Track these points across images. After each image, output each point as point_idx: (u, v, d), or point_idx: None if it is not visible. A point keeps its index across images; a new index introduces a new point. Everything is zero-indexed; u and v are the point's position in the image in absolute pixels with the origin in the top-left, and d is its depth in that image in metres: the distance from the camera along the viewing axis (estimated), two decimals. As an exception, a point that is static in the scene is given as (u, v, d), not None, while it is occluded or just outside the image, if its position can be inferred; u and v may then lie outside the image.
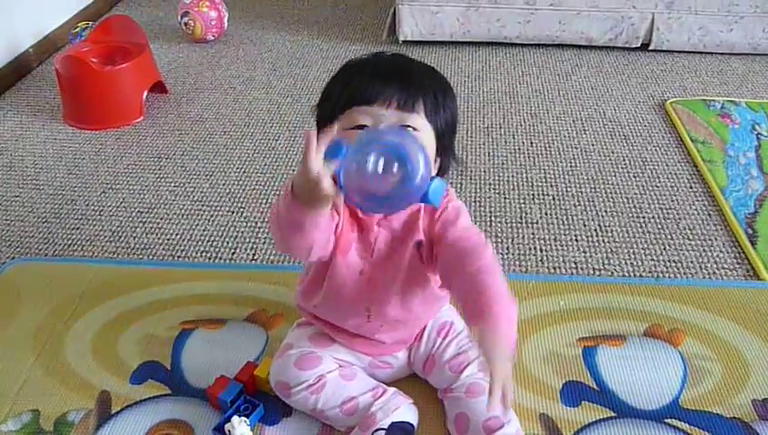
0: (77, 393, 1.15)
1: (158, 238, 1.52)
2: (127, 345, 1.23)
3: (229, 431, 1.02)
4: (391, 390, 1.05)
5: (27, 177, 1.77)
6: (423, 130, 0.90)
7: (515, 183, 1.68)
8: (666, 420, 1.07)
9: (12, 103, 2.13)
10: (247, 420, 1.04)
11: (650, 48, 2.31)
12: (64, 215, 1.62)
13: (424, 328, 1.11)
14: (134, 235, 1.54)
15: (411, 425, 1.02)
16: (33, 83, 2.25)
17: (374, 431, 0.99)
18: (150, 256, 1.47)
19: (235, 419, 1.03)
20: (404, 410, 1.03)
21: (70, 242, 1.52)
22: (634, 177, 1.69)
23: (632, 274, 1.38)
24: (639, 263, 1.41)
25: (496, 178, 1.70)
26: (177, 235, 1.53)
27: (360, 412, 1.01)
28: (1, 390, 1.15)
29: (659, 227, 1.52)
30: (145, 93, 2.03)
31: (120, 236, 1.53)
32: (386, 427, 0.99)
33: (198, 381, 1.15)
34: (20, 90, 2.22)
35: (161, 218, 1.59)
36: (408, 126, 0.89)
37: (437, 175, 0.94)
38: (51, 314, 1.30)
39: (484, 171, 1.73)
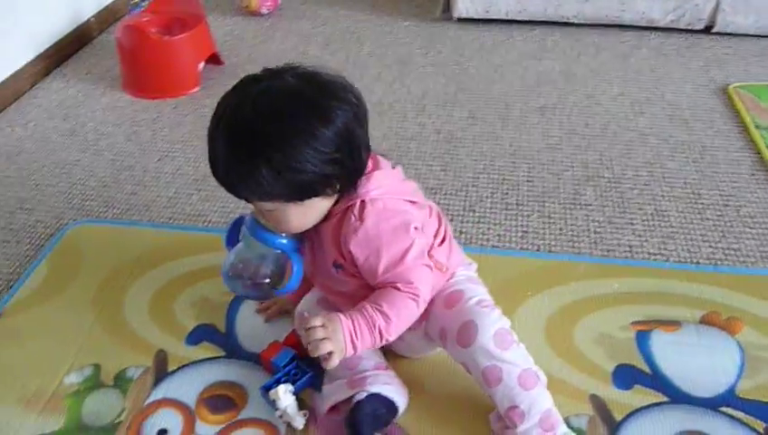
0: (135, 351, 1.18)
1: (213, 206, 1.55)
2: (183, 307, 1.27)
3: (275, 400, 1.03)
4: (392, 372, 1.07)
5: (88, 142, 1.82)
6: (276, 209, 0.92)
7: (569, 164, 1.65)
8: (721, 409, 1.05)
9: (73, 71, 2.19)
10: (293, 388, 1.05)
11: (714, 30, 2.23)
12: (123, 180, 1.66)
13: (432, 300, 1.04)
14: (189, 202, 1.57)
15: (394, 405, 1.02)
16: (94, 52, 2.31)
17: (359, 392, 1.01)
18: (205, 223, 1.50)
19: (281, 388, 1.04)
20: (394, 389, 1.03)
21: (128, 206, 1.57)
22: (693, 162, 1.65)
23: (689, 260, 1.35)
24: (697, 249, 1.38)
25: (550, 158, 1.68)
26: (231, 203, 1.55)
27: (357, 371, 1.04)
28: (64, 344, 1.20)
29: (719, 213, 1.48)
30: (201, 64, 2.05)
31: (176, 203, 1.57)
32: (371, 392, 1.00)
33: (252, 346, 1.18)
34: (81, 58, 2.27)
35: (216, 187, 1.56)
36: (262, 210, 0.94)
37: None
38: (110, 275, 1.34)
39: (538, 151, 1.71)
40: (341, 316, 0.92)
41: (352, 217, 0.93)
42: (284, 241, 0.97)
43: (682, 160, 1.66)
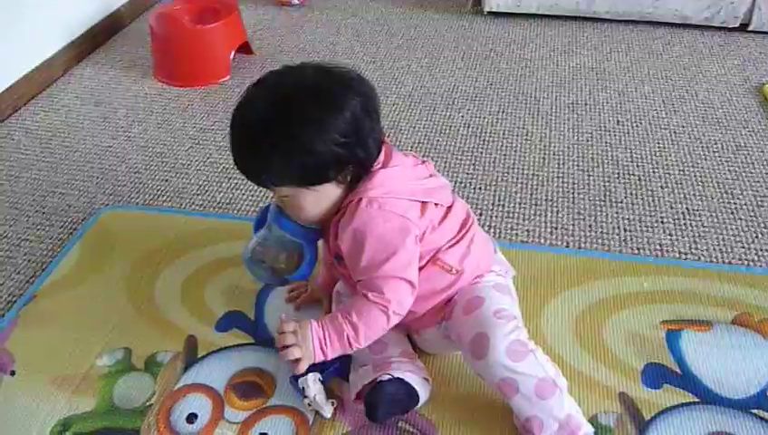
0: (166, 336, 1.20)
1: (243, 194, 1.56)
2: (213, 294, 1.28)
3: (303, 388, 1.04)
4: (420, 363, 1.07)
5: (120, 129, 1.84)
6: (292, 196, 0.97)
7: (600, 161, 1.64)
8: (752, 410, 1.04)
9: (105, 58, 2.21)
10: (321, 377, 1.06)
11: (749, 29, 2.20)
12: (154, 167, 1.68)
13: (455, 302, 1.03)
14: (220, 189, 1.58)
15: (416, 393, 1.02)
16: (126, 40, 2.33)
17: (382, 374, 1.01)
18: (236, 211, 1.51)
19: (310, 376, 1.04)
20: (417, 379, 1.03)
21: (159, 193, 1.58)
22: (726, 162, 1.63)
23: (721, 260, 1.34)
24: (729, 250, 1.36)
25: (580, 154, 1.67)
26: (261, 192, 1.56)
27: (382, 357, 1.05)
28: (96, 327, 1.22)
29: (752, 214, 1.46)
30: (232, 53, 2.07)
31: (207, 190, 1.58)
32: (395, 376, 1.01)
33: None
34: (113, 46, 2.30)
35: None
36: (280, 196, 0.99)
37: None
38: (141, 260, 1.36)
39: (568, 147, 1.69)
40: (313, 323, 0.98)
41: (347, 213, 0.96)
42: (300, 228, 1.01)
43: (715, 160, 1.63)
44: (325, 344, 0.97)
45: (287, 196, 0.97)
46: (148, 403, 1.09)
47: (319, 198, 0.97)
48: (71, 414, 1.07)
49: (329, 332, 0.97)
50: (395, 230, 0.94)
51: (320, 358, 0.97)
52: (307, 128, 0.90)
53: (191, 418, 1.06)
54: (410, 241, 0.95)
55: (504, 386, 0.95)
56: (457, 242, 1.01)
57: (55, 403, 1.09)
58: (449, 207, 1.02)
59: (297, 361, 0.97)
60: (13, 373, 1.14)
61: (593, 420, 1.01)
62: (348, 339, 0.96)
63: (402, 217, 0.95)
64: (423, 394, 1.04)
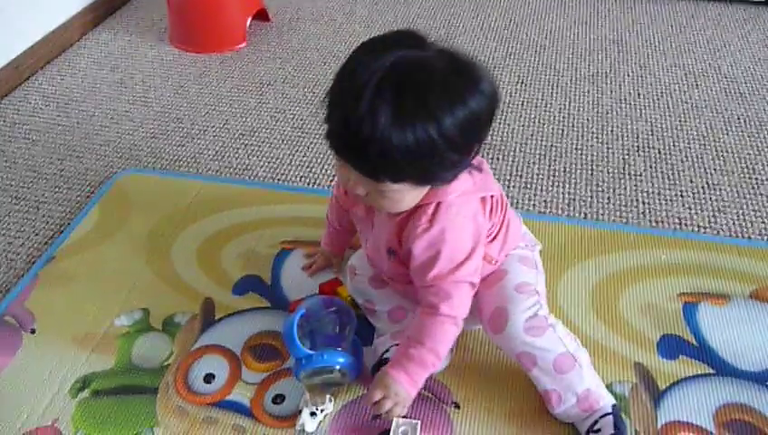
0: (183, 298, 1.21)
1: (260, 161, 1.56)
2: (230, 258, 1.28)
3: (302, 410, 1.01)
4: None
5: (136, 93, 1.84)
6: (396, 190, 0.83)
7: (619, 133, 1.62)
8: (767, 383, 1.04)
9: (122, 23, 2.20)
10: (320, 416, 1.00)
11: (775, 3, 2.16)
12: (171, 132, 1.68)
13: None
14: (236, 155, 1.58)
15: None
16: (142, 5, 2.31)
17: (398, 342, 1.00)
18: (252, 177, 1.51)
19: (306, 416, 1.00)
20: None
21: (176, 158, 1.58)
22: (749, 136, 1.60)
23: (740, 235, 1.32)
24: (749, 225, 1.35)
25: (599, 127, 1.65)
26: (277, 159, 1.56)
27: (401, 325, 1.05)
28: (115, 288, 1.23)
29: (773, 189, 1.44)
30: (249, 20, 2.05)
31: (223, 156, 1.58)
32: None
33: (296, 298, 1.19)
34: (129, 10, 2.28)
35: (262, 142, 1.62)
36: (381, 190, 0.83)
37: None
38: (159, 223, 1.37)
39: (588, 120, 1.68)
40: (394, 375, 0.92)
41: (423, 218, 0.88)
42: (343, 359, 0.97)
43: (737, 134, 1.61)
44: (416, 384, 0.93)
45: (393, 190, 0.83)
46: (166, 363, 1.10)
47: (418, 196, 0.87)
48: (90, 372, 1.09)
49: (416, 373, 0.92)
50: (470, 236, 0.91)
51: (413, 396, 0.94)
52: (458, 116, 0.77)
53: (209, 378, 1.07)
54: (480, 245, 0.92)
55: (522, 359, 0.96)
56: (498, 231, 0.99)
57: (75, 361, 1.10)
58: (492, 197, 0.97)
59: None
60: (33, 331, 1.16)
61: (608, 390, 1.01)
62: (432, 365, 0.93)
63: (474, 222, 0.92)
64: (445, 362, 1.05)
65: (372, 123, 0.74)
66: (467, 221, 0.91)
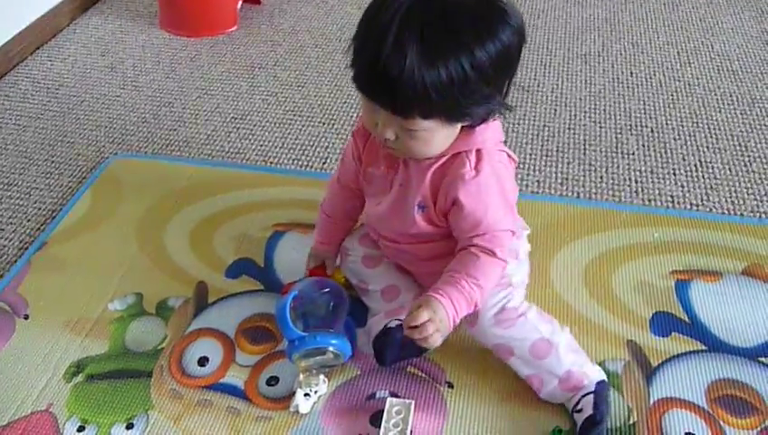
0: (176, 281, 1.21)
1: (252, 144, 1.55)
2: (222, 242, 1.28)
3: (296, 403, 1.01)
4: None
5: (127, 78, 1.82)
6: (426, 128, 0.82)
7: (612, 112, 1.62)
8: (760, 359, 1.05)
9: (112, 7, 2.18)
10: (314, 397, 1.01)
11: (768, -20, 2.14)
12: (162, 116, 1.67)
13: None
14: (228, 139, 1.57)
15: None
16: (131, -11, 2.29)
17: (392, 320, 1.00)
18: (244, 161, 1.50)
19: (300, 397, 1.00)
20: None
21: (167, 142, 1.58)
22: (741, 114, 1.60)
23: (733, 212, 1.33)
24: (741, 202, 1.35)
25: (592, 106, 1.64)
26: (269, 142, 1.55)
27: (396, 303, 1.05)
28: (108, 272, 1.23)
29: (765, 167, 1.44)
30: (240, 3, 2.03)
31: (215, 140, 1.57)
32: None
33: (289, 280, 1.19)
34: (118, -6, 2.26)
35: (254, 125, 1.61)
36: (410, 129, 0.82)
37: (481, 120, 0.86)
38: (151, 207, 1.36)
39: (580, 99, 1.67)
40: (443, 302, 0.87)
41: (467, 165, 0.87)
42: (336, 341, 0.97)
43: (729, 112, 1.61)
44: (457, 317, 0.89)
45: (422, 129, 0.82)
46: (159, 346, 1.10)
47: (448, 138, 0.86)
48: (84, 356, 1.09)
49: (459, 304, 0.88)
50: (511, 183, 0.91)
51: (451, 329, 0.90)
52: (498, 56, 0.77)
53: (203, 361, 1.08)
54: (516, 195, 0.94)
55: (499, 350, 0.97)
56: None
57: (69, 346, 1.11)
58: None
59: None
60: (26, 317, 1.16)
61: (601, 367, 1.02)
62: (475, 303, 0.90)
63: (510, 169, 0.93)
64: None
65: (401, 59, 0.73)
66: (506, 168, 0.92)
